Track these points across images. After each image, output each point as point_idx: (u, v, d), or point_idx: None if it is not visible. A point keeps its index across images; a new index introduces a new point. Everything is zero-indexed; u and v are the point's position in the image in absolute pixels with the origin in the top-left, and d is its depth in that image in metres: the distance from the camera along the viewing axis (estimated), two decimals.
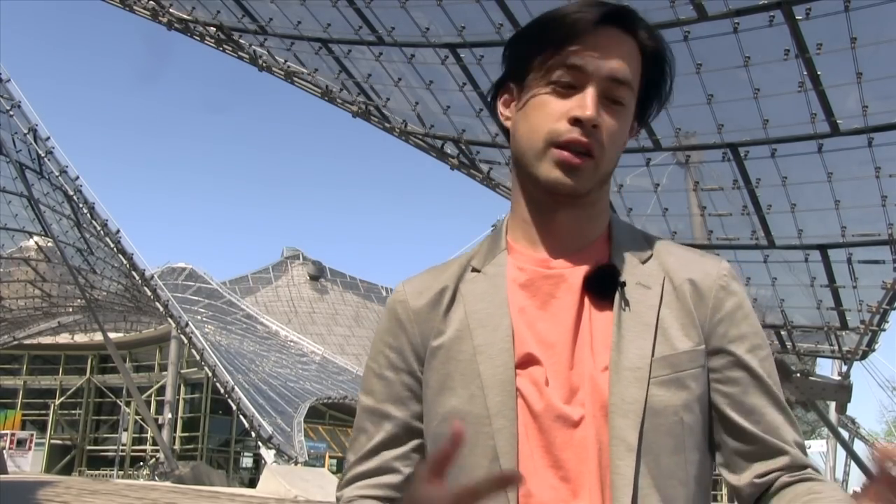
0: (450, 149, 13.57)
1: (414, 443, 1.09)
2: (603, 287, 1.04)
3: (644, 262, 1.07)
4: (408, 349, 1.11)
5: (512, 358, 1.01)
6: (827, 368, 18.95)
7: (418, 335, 1.10)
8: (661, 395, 0.98)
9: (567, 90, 1.04)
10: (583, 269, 1.06)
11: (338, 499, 1.11)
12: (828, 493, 0.96)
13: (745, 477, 1.03)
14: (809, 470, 1.02)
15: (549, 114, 1.04)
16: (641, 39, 1.08)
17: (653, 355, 1.00)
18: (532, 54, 1.07)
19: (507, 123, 1.12)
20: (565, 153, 1.02)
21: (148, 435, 48.18)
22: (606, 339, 1.01)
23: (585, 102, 1.02)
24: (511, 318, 1.04)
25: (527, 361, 1.02)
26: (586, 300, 1.05)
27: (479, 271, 1.11)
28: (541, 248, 1.09)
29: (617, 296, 1.03)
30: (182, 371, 48.99)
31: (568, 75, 1.04)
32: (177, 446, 46.97)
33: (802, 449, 1.04)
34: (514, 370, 1.01)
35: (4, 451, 42.41)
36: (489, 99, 1.16)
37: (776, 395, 1.05)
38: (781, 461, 1.02)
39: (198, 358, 35.98)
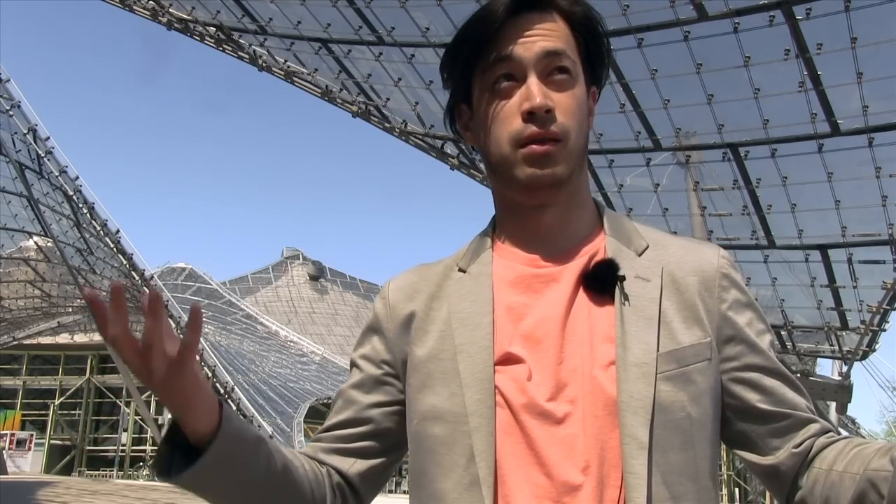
0: (450, 149, 13.56)
1: (365, 427, 1.12)
2: (602, 282, 1.03)
3: (640, 253, 1.06)
4: (381, 345, 1.13)
5: (491, 356, 1.01)
6: (827, 369, 18.94)
7: (392, 331, 1.11)
8: (668, 390, 0.97)
9: (510, 87, 1.05)
10: (576, 265, 1.05)
11: None
12: (872, 442, 0.99)
13: (782, 453, 1.04)
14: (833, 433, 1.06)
15: (504, 117, 1.05)
16: (563, 10, 1.08)
17: (658, 350, 0.98)
18: (467, 71, 1.09)
19: (472, 140, 1.14)
20: (532, 147, 1.03)
21: (148, 435, 48.18)
22: (608, 334, 1.00)
23: (530, 92, 1.02)
24: (494, 315, 1.04)
25: (508, 359, 1.01)
26: (582, 296, 1.03)
27: (464, 271, 1.10)
28: (531, 247, 1.09)
29: (617, 290, 1.01)
30: None
31: (504, 70, 1.05)
32: None
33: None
34: (492, 367, 1.00)
35: (4, 452, 42.40)
36: (448, 126, 1.17)
37: (786, 373, 1.06)
38: (813, 428, 1.05)
39: (197, 358, 35.93)
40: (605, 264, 1.04)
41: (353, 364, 1.17)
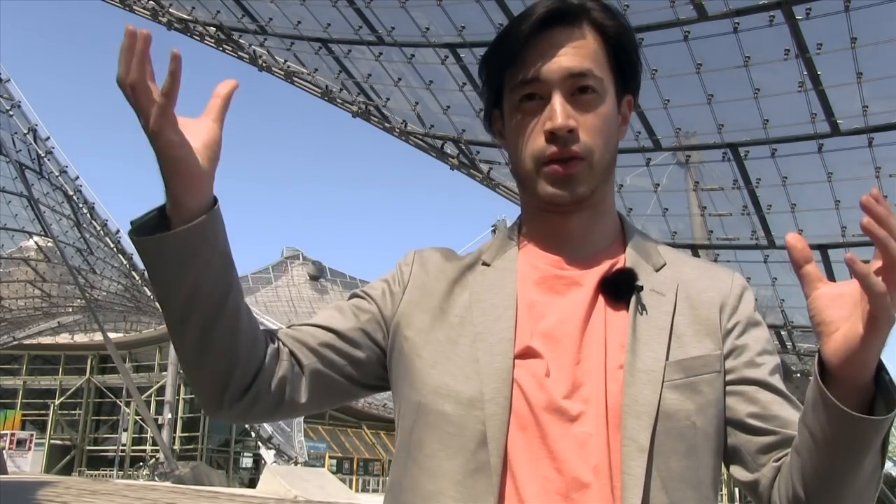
0: (450, 149, 13.57)
1: (345, 345, 1.10)
2: (619, 290, 1.05)
3: (658, 270, 1.09)
4: (390, 301, 1.13)
5: (512, 348, 1.02)
6: None
7: (405, 298, 1.12)
8: (674, 398, 0.98)
9: (536, 105, 1.06)
10: (597, 272, 1.08)
11: None
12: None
13: (767, 468, 1.01)
14: None
15: (527, 135, 1.07)
16: (596, 21, 1.09)
17: (667, 359, 1.00)
18: (497, 81, 1.11)
19: (505, 146, 1.16)
20: (553, 167, 1.05)
21: (148, 435, 48.14)
22: (621, 340, 1.02)
23: (553, 112, 1.04)
24: (517, 310, 1.05)
25: (527, 353, 1.02)
26: (600, 301, 1.06)
27: (488, 265, 1.12)
28: (555, 250, 1.12)
29: (633, 299, 1.04)
30: (182, 371, 48.82)
31: (529, 91, 1.07)
32: (177, 446, 46.92)
33: None
34: (512, 360, 1.01)
35: (4, 452, 42.41)
36: (487, 129, 1.20)
37: (785, 392, 1.06)
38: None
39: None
40: (624, 272, 1.07)
41: (358, 295, 1.16)
